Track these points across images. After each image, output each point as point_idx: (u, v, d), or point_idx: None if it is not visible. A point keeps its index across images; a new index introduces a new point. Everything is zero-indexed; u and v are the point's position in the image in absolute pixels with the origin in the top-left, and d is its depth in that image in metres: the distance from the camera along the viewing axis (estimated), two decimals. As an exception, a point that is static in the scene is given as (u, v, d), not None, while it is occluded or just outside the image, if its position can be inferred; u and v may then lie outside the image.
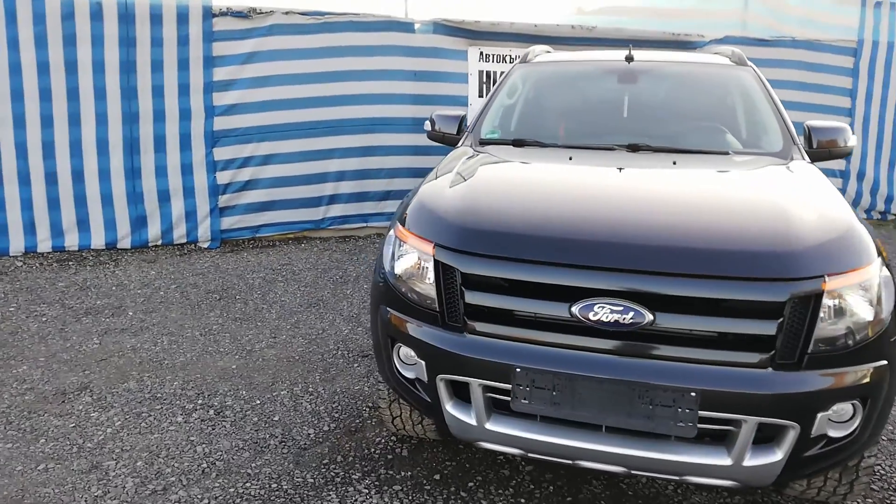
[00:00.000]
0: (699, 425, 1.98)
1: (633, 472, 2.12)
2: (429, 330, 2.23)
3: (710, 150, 3.09)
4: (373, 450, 2.98)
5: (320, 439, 3.06)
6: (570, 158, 2.91)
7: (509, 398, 2.11)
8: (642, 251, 2.04)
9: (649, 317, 1.98)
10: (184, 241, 6.28)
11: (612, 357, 2.03)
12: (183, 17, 5.94)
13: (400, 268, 2.36)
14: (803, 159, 3.01)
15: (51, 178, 5.74)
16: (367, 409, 3.31)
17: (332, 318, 4.55)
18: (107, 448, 2.95)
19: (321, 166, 6.54)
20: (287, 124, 6.38)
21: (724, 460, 2.02)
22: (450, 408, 2.22)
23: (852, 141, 3.23)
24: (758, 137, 3.23)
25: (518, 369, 2.06)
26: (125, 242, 6.09)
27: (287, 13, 6.21)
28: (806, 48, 7.59)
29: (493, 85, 6.86)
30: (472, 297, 2.15)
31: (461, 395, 2.24)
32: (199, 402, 3.37)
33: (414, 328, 2.27)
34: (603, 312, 2.00)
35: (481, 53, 6.78)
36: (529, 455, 2.18)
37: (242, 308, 4.74)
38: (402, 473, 2.81)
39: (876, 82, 7.94)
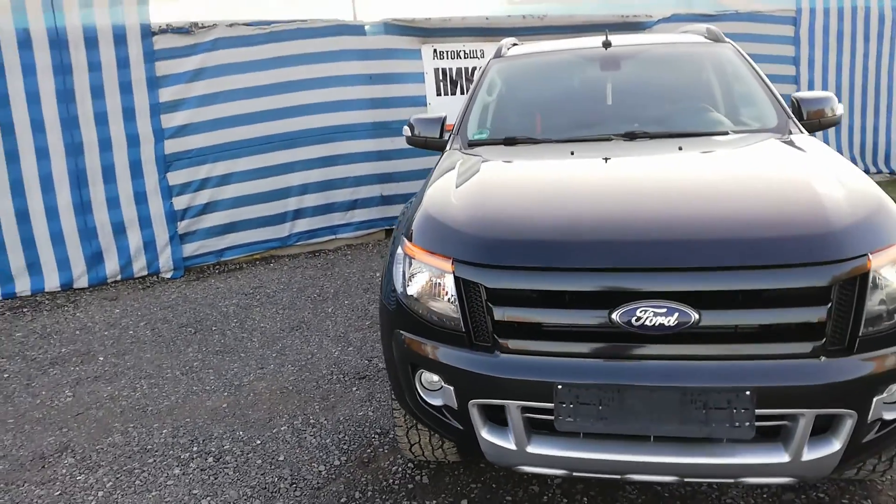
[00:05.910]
0: (756, 423, 1.88)
1: (686, 479, 2.01)
2: (455, 352, 2.07)
3: (709, 131, 2.98)
4: (391, 480, 2.80)
5: (333, 476, 2.86)
6: (573, 153, 2.76)
7: (552, 418, 1.97)
8: (681, 247, 1.92)
9: (694, 316, 1.86)
10: (145, 273, 5.95)
11: (660, 363, 1.91)
12: (120, 38, 5.60)
13: (414, 288, 2.19)
14: (801, 132, 2.95)
15: (-8, 222, 5.36)
16: (377, 436, 3.13)
17: (319, 341, 4.33)
18: (101, 514, 2.70)
19: (282, 181, 6.28)
20: (242, 141, 6.10)
21: (782, 457, 1.91)
22: (485, 434, 2.06)
23: (840, 109, 3.20)
24: (751, 114, 3.15)
25: (560, 386, 1.91)
26: (82, 281, 5.73)
27: (231, 25, 5.92)
28: (749, 20, 7.70)
29: (450, 82, 6.71)
30: (502, 314, 1.99)
31: (495, 418, 2.08)
32: (195, 449, 3.13)
33: (437, 352, 2.11)
34: (646, 317, 1.87)
35: (435, 51, 6.62)
36: (574, 474, 2.05)
37: (221, 339, 4.48)
38: (428, 503, 2.65)
39: (816, 48, 8.12)
